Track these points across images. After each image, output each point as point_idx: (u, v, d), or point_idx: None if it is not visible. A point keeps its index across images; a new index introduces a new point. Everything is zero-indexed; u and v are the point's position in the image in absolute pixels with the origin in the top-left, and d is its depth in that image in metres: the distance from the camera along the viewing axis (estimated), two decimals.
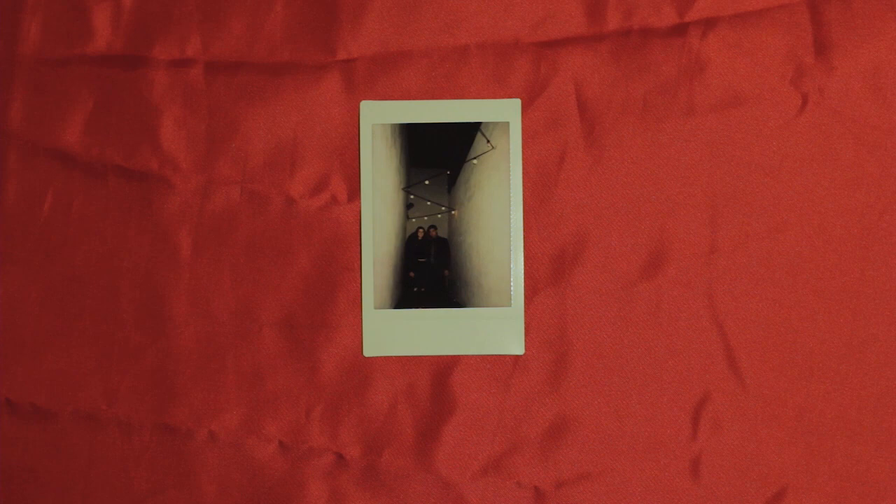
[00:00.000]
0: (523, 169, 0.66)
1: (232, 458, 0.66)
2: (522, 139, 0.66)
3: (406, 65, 0.67)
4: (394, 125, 0.66)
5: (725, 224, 0.66)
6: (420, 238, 0.66)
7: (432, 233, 0.66)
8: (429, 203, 0.66)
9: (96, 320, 0.67)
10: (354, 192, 0.67)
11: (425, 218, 0.66)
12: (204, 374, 0.66)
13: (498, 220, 0.66)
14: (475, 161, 0.66)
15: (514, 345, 0.66)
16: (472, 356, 0.66)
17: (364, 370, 0.66)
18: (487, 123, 0.66)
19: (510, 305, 0.66)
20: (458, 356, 0.66)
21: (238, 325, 0.66)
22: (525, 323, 0.66)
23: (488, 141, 0.66)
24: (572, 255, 0.66)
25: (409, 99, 0.67)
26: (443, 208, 0.66)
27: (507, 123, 0.66)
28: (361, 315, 0.66)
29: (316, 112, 0.67)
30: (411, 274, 0.66)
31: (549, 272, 0.66)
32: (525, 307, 0.66)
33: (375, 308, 0.66)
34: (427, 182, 0.66)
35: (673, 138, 0.66)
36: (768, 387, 0.65)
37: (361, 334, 0.66)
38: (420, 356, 0.66)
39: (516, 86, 0.67)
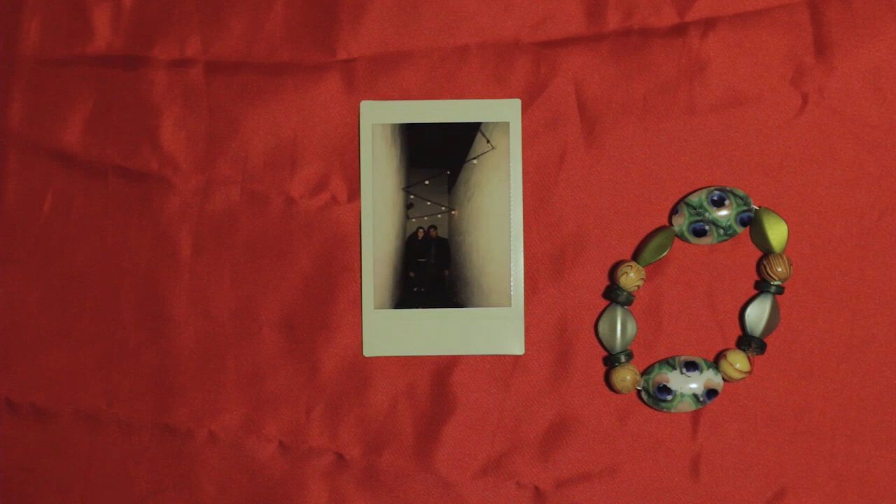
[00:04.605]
0: (523, 169, 0.66)
1: (232, 458, 0.66)
2: (522, 139, 0.66)
3: (406, 65, 0.67)
4: (394, 125, 0.66)
5: None
6: (420, 238, 0.66)
7: (432, 233, 0.66)
8: (429, 203, 0.66)
9: (96, 320, 0.67)
10: (354, 192, 0.67)
11: (425, 218, 0.66)
12: (204, 374, 0.66)
13: (498, 220, 0.66)
14: (475, 161, 0.66)
15: (514, 345, 0.66)
16: (472, 356, 0.66)
17: (364, 370, 0.66)
18: (487, 123, 0.66)
19: (510, 305, 0.66)
20: (458, 356, 0.66)
21: (238, 325, 0.66)
22: (525, 323, 0.66)
23: (488, 141, 0.66)
24: (572, 255, 0.66)
25: (409, 99, 0.67)
26: (443, 208, 0.66)
27: (507, 123, 0.66)
28: (361, 315, 0.66)
29: (316, 112, 0.67)
30: (411, 274, 0.66)
31: (548, 272, 0.66)
32: (525, 307, 0.66)
33: (375, 308, 0.66)
34: (427, 182, 0.66)
35: (673, 138, 0.66)
36: (768, 387, 0.65)
37: (361, 334, 0.66)
38: (420, 356, 0.66)
39: (516, 86, 0.67)
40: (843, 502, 0.65)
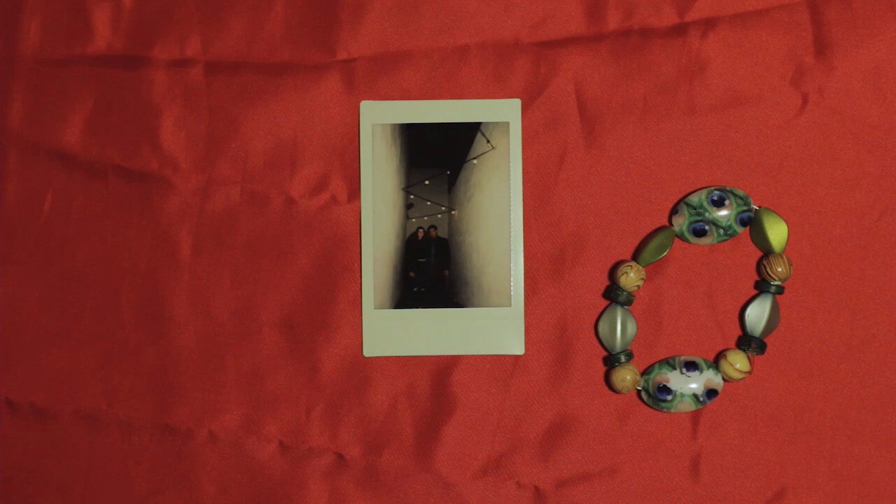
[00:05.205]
0: (523, 169, 0.66)
1: (232, 458, 0.66)
2: (522, 139, 0.66)
3: (406, 65, 0.67)
4: (394, 125, 0.66)
5: None
6: (420, 238, 0.66)
7: (432, 233, 0.66)
8: (429, 203, 0.66)
9: (96, 320, 0.67)
10: (354, 192, 0.67)
11: (425, 218, 0.66)
12: (204, 374, 0.66)
13: (498, 220, 0.66)
14: (475, 161, 0.66)
15: (514, 345, 0.66)
16: (472, 356, 0.66)
17: (364, 370, 0.66)
18: (487, 123, 0.66)
19: (510, 305, 0.66)
20: (458, 356, 0.66)
21: (238, 325, 0.66)
22: (525, 323, 0.66)
23: (488, 141, 0.66)
24: (572, 255, 0.66)
25: (409, 99, 0.67)
26: (443, 208, 0.66)
27: (507, 123, 0.66)
28: (361, 315, 0.66)
29: (316, 112, 0.67)
30: (411, 274, 0.66)
31: (548, 272, 0.66)
32: (525, 307, 0.66)
33: (375, 308, 0.66)
34: (427, 182, 0.66)
35: (673, 138, 0.66)
36: (768, 387, 0.65)
37: (361, 334, 0.66)
38: (420, 356, 0.66)
39: (516, 86, 0.67)
40: (843, 502, 0.65)
